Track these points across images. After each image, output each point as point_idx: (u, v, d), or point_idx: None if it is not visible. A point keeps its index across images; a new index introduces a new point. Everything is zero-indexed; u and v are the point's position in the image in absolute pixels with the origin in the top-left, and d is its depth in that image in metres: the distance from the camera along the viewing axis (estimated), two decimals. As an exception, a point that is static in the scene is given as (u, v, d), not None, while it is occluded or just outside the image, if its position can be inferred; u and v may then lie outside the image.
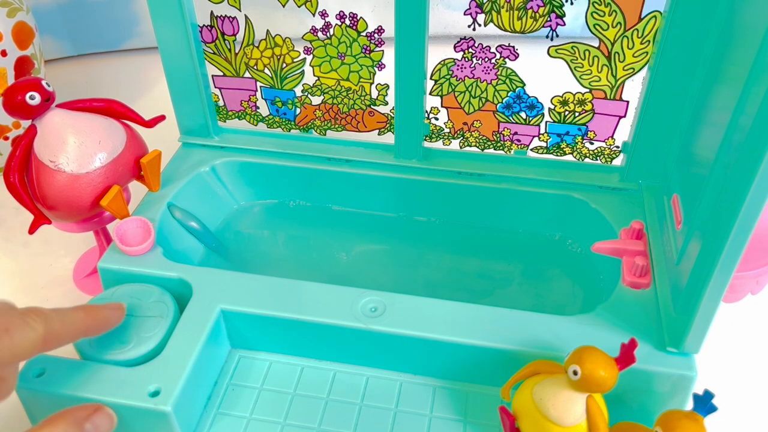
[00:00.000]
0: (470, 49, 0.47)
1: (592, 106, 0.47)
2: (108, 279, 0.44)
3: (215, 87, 0.53)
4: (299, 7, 0.47)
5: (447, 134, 0.52)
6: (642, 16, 0.43)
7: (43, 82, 0.43)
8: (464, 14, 0.45)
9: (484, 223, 0.52)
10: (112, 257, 0.44)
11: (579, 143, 0.50)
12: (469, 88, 0.49)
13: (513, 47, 0.46)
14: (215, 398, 0.40)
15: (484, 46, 0.46)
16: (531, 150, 0.51)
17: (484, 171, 0.51)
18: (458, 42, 0.46)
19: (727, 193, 0.33)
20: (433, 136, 0.52)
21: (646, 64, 0.45)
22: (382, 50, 0.48)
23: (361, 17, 0.47)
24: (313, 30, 0.48)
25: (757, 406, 0.45)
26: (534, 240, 0.51)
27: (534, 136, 0.50)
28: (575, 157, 0.50)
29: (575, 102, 0.47)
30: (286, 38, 0.50)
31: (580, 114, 0.48)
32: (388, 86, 0.50)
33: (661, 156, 0.47)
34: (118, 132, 0.46)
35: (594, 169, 0.50)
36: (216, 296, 0.41)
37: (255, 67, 0.51)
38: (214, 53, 0.51)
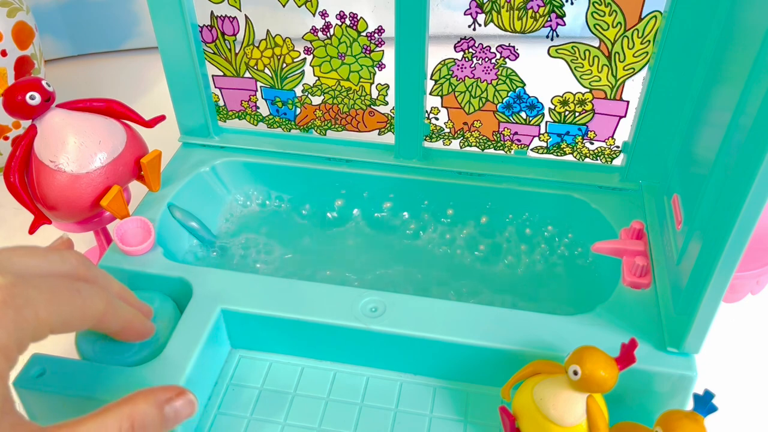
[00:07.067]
0: (470, 49, 0.47)
1: (592, 106, 0.47)
2: (108, 279, 0.44)
3: (215, 87, 0.53)
4: (299, 7, 0.47)
5: (447, 134, 0.51)
6: (642, 16, 0.43)
7: (43, 82, 0.43)
8: (464, 14, 0.45)
9: (484, 222, 0.52)
10: (112, 257, 0.44)
11: (579, 143, 0.50)
12: (469, 88, 0.48)
13: (513, 47, 0.46)
14: (215, 398, 0.40)
15: (484, 46, 0.46)
16: (531, 150, 0.51)
17: (484, 171, 0.51)
18: (458, 42, 0.46)
19: (728, 193, 0.33)
20: (434, 136, 0.52)
21: (646, 64, 0.45)
22: (382, 50, 0.48)
23: (361, 17, 0.47)
24: (313, 30, 0.48)
25: (757, 406, 0.45)
26: (534, 240, 0.51)
27: (534, 136, 0.50)
28: (575, 157, 0.50)
29: (575, 102, 0.47)
30: (286, 38, 0.50)
31: (580, 114, 0.48)
32: (388, 86, 0.50)
33: (661, 156, 0.47)
34: (118, 132, 0.46)
35: (594, 169, 0.50)
36: (216, 296, 0.41)
37: (255, 67, 0.51)
38: (214, 53, 0.51)
